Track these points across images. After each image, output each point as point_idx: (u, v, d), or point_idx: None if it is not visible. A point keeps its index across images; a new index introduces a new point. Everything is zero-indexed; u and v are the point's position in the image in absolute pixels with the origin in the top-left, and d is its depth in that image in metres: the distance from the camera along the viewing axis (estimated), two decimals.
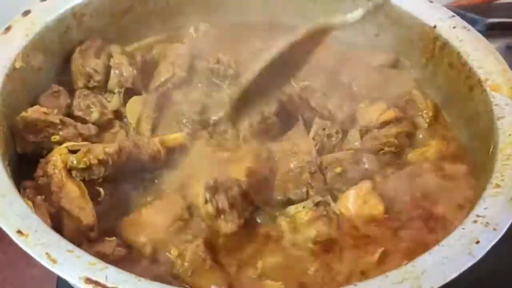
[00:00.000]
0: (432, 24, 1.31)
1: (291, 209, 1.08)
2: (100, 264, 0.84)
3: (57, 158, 1.04)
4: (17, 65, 1.17)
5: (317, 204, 1.07)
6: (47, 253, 0.84)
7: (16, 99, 1.16)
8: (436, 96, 1.33)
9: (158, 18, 1.46)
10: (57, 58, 1.30)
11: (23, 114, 1.12)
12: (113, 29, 1.40)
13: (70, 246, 0.87)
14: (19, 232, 0.87)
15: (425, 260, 0.89)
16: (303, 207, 1.07)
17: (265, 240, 1.06)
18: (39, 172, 1.05)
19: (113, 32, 1.40)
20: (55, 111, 1.18)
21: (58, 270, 0.83)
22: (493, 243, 0.91)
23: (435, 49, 1.31)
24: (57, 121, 1.14)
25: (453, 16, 1.31)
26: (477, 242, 0.91)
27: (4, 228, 0.88)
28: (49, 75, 1.27)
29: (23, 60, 1.18)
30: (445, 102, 1.31)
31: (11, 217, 0.90)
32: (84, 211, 1.01)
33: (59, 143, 1.11)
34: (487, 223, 0.94)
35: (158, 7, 1.44)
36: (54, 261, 0.84)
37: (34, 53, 1.22)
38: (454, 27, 1.29)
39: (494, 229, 0.93)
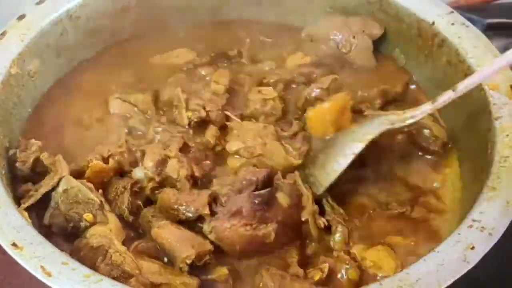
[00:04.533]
0: (431, 21, 1.30)
1: None
2: (95, 276, 0.85)
3: (116, 243, 0.97)
4: (13, 71, 1.17)
5: None
6: (42, 266, 0.85)
7: (12, 106, 1.17)
8: (435, 94, 1.31)
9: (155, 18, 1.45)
10: (53, 62, 1.30)
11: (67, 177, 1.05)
12: (110, 30, 1.40)
13: (65, 258, 0.87)
14: (14, 244, 0.88)
15: (419, 267, 0.89)
16: None
17: None
18: (107, 268, 0.94)
19: (109, 34, 1.40)
20: (100, 191, 1.06)
21: (53, 284, 0.83)
22: (488, 248, 0.90)
23: (434, 46, 1.29)
24: (99, 201, 1.03)
25: (452, 12, 1.30)
26: (472, 248, 0.90)
27: None
28: (46, 79, 1.28)
29: (19, 65, 1.18)
30: None
31: (6, 229, 0.90)
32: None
33: (90, 223, 1.02)
34: (482, 227, 0.93)
35: (154, 6, 1.44)
36: (49, 274, 0.84)
37: (30, 58, 1.22)
38: (453, 24, 1.27)
39: (490, 234, 0.92)
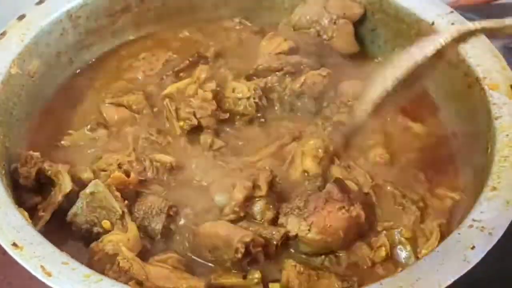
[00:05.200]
0: (431, 21, 1.29)
1: None
2: (95, 276, 0.85)
3: (124, 250, 0.96)
4: (13, 71, 1.17)
5: None
6: (42, 266, 0.85)
7: (12, 106, 1.17)
8: (435, 93, 1.32)
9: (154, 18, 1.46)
10: (53, 62, 1.30)
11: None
12: (110, 30, 1.41)
13: (65, 258, 0.87)
14: (14, 244, 0.88)
15: (419, 266, 0.89)
16: None
17: None
18: (114, 275, 0.93)
19: (109, 34, 1.41)
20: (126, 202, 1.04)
21: (53, 284, 0.83)
22: (488, 248, 0.90)
23: None
24: (120, 211, 1.01)
25: (452, 12, 1.29)
26: (473, 248, 0.90)
27: None
28: (46, 80, 1.28)
29: (19, 65, 1.18)
30: (443, 99, 1.29)
31: (6, 229, 0.90)
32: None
33: (106, 230, 1.01)
34: (482, 227, 0.93)
35: (154, 7, 1.44)
36: (49, 274, 0.84)
37: (30, 58, 1.22)
38: (453, 24, 1.27)
39: (490, 234, 0.92)
